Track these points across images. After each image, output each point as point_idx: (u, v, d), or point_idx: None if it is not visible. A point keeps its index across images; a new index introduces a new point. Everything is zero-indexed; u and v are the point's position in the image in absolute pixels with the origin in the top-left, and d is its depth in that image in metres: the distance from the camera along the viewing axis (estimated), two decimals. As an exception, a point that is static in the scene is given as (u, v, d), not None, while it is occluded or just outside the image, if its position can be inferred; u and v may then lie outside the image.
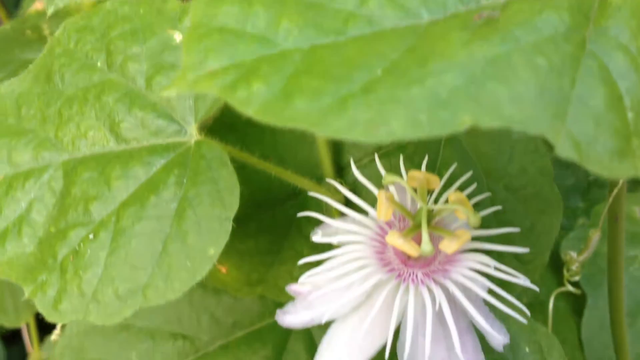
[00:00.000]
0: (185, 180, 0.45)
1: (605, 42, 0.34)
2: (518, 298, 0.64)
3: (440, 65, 0.32)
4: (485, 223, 0.51)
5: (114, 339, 0.72)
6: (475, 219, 0.42)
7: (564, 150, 0.30)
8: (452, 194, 0.45)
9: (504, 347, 0.53)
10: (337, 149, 0.57)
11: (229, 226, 0.44)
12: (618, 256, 0.56)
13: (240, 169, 0.56)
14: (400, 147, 0.56)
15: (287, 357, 0.71)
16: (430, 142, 0.56)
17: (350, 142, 0.56)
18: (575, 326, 0.69)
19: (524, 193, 0.55)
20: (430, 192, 0.48)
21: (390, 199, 0.44)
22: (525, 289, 0.68)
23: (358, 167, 0.55)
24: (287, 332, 0.72)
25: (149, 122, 0.48)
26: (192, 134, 0.47)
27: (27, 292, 0.46)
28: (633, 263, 0.70)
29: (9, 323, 1.15)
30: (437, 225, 0.45)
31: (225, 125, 0.58)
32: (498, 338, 0.49)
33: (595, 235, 0.56)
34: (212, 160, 0.45)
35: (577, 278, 0.59)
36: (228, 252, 0.60)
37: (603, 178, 0.92)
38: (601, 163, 0.30)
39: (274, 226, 0.60)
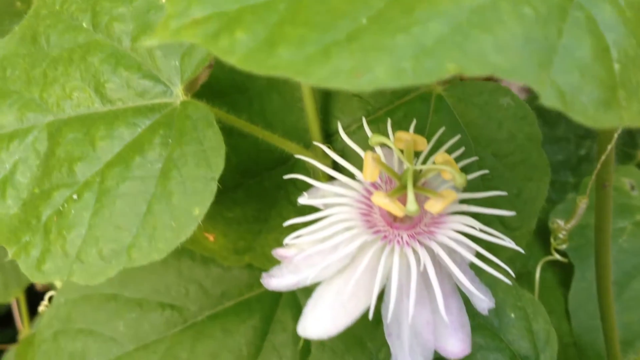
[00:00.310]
0: (170, 141, 0.45)
1: (592, -6, 0.33)
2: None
3: (426, 14, 0.31)
4: (472, 189, 0.51)
5: (102, 308, 0.71)
6: (461, 179, 0.42)
7: (549, 100, 0.30)
8: (438, 155, 0.45)
9: (490, 312, 0.53)
10: (326, 116, 0.57)
11: (214, 186, 0.44)
12: (606, 224, 0.56)
13: (228, 135, 0.56)
14: (388, 113, 0.56)
15: (274, 327, 0.71)
16: (419, 108, 0.56)
17: (338, 108, 0.56)
18: (562, 298, 0.69)
19: (511, 159, 0.55)
20: (417, 155, 0.48)
21: (377, 159, 0.43)
22: (513, 258, 0.69)
23: (347, 134, 0.55)
24: (275, 303, 0.72)
25: (135, 83, 0.47)
26: (178, 94, 0.47)
27: (10, 253, 0.46)
28: (622, 234, 0.70)
29: (-2, 298, 1.14)
30: (423, 187, 0.45)
31: (214, 91, 0.58)
32: (483, 302, 0.49)
33: (582, 203, 0.56)
34: (197, 121, 0.45)
35: (564, 246, 0.60)
36: (215, 220, 0.60)
37: (593, 152, 0.92)
38: (586, 113, 0.30)
39: (261, 194, 0.59)
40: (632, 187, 0.71)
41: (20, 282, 1.15)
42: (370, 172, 0.43)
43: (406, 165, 0.43)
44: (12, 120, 0.48)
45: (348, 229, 0.44)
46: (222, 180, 0.59)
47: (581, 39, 0.32)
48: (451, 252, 0.46)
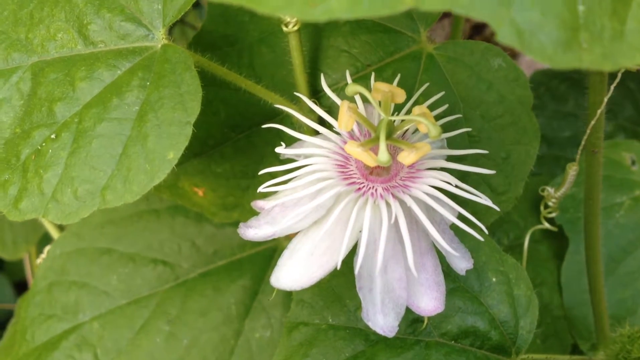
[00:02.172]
0: (148, 84, 0.45)
1: None
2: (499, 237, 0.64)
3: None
4: (459, 149, 0.50)
5: (96, 262, 0.72)
6: (435, 130, 0.41)
7: (505, 37, 0.29)
8: (416, 107, 0.44)
9: (471, 275, 0.53)
10: (315, 71, 0.56)
11: (189, 130, 0.44)
12: (595, 191, 0.55)
13: (218, 88, 0.56)
14: (378, 70, 0.55)
15: (265, 287, 0.71)
16: (409, 67, 0.55)
17: (327, 64, 0.55)
18: (555, 270, 0.68)
19: (500, 122, 0.54)
20: (400, 109, 0.48)
21: (353, 109, 0.43)
22: (507, 230, 0.68)
23: (334, 90, 0.54)
24: (267, 264, 0.72)
25: (117, 25, 0.47)
26: (159, 38, 0.47)
27: (-12, 190, 0.46)
28: (619, 209, 0.68)
29: (7, 255, 1.17)
30: (399, 139, 0.44)
31: (205, 44, 0.58)
32: (461, 262, 0.48)
33: (572, 170, 0.55)
34: (176, 64, 0.45)
35: (553, 214, 0.59)
36: (204, 174, 0.60)
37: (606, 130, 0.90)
38: (543, 52, 0.29)
39: (250, 149, 0.59)
40: (633, 162, 0.70)
41: (28, 240, 1.17)
42: (345, 122, 0.43)
43: (382, 116, 0.42)
44: (-3, 61, 0.49)
45: (322, 179, 0.44)
46: (211, 134, 0.59)
47: (546, -23, 0.31)
48: (429, 210, 0.45)
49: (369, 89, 0.53)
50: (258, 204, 0.49)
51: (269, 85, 0.56)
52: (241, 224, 0.49)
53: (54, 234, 0.81)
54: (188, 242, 0.72)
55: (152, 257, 0.72)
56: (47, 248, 0.80)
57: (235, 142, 0.59)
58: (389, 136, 0.43)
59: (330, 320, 0.52)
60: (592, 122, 0.51)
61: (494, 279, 0.52)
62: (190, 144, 0.59)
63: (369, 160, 0.41)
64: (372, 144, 0.42)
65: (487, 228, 0.67)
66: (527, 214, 0.70)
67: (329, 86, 0.55)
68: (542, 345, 0.65)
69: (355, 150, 0.41)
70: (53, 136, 0.45)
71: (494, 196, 0.54)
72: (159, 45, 0.47)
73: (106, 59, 0.46)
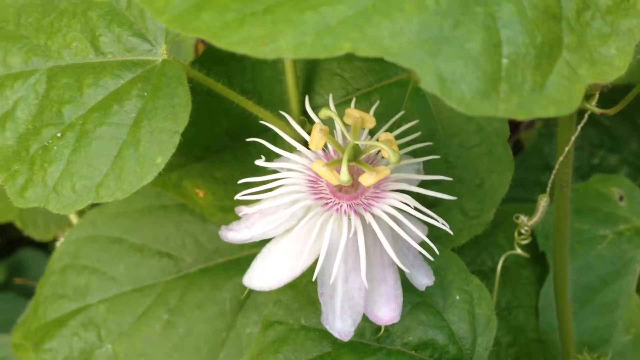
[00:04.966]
0: (146, 94, 0.50)
1: (500, -7, 0.36)
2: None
3: (338, -4, 0.35)
4: (436, 173, 0.53)
5: (107, 250, 0.78)
6: (394, 157, 0.45)
7: (428, 85, 0.33)
8: (382, 134, 0.48)
9: (436, 291, 0.56)
10: (309, 91, 0.61)
11: (177, 139, 0.48)
12: (563, 223, 0.58)
13: (220, 101, 0.60)
14: (366, 95, 0.59)
15: (258, 287, 0.75)
16: (395, 93, 0.59)
17: (321, 85, 0.59)
18: (534, 294, 0.71)
19: (477, 151, 0.57)
20: (373, 133, 0.52)
21: (324, 131, 0.47)
22: (492, 253, 0.71)
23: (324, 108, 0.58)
24: (263, 265, 0.76)
25: (125, 39, 0.52)
26: (161, 53, 0.52)
27: (0, 179, 0.52)
28: (602, 242, 0.71)
29: (38, 236, 1.24)
30: (364, 161, 0.48)
31: (214, 59, 0.63)
32: (422, 278, 0.52)
33: (543, 201, 0.58)
34: (172, 79, 0.50)
35: (525, 242, 0.62)
36: (205, 178, 0.65)
37: (605, 162, 0.92)
38: (461, 100, 0.33)
39: (247, 158, 0.64)
40: (621, 198, 0.72)
41: (59, 223, 1.24)
42: (315, 142, 0.47)
43: (349, 139, 0.47)
44: (19, 62, 0.54)
45: (292, 192, 0.48)
46: (213, 141, 0.64)
47: (474, 32, 0.34)
48: (389, 228, 0.49)
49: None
50: (240, 209, 0.54)
51: (267, 100, 0.60)
52: (223, 227, 0.54)
53: (74, 220, 0.87)
54: (192, 238, 0.77)
55: (158, 250, 0.77)
56: (66, 233, 0.87)
57: (235, 151, 0.63)
58: (354, 158, 0.47)
59: (303, 321, 0.57)
60: (560, 159, 0.54)
61: (457, 297, 0.56)
62: (193, 149, 0.65)
63: (332, 178, 0.45)
64: (337, 164, 0.46)
65: (472, 250, 0.71)
66: (513, 238, 0.73)
67: (320, 106, 0.60)
68: (513, 364, 0.68)
69: (320, 169, 0.46)
70: (59, 135, 0.51)
71: (465, 220, 0.58)
72: (160, 60, 0.52)
73: (112, 69, 0.51)
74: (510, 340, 0.69)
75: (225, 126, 0.63)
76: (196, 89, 0.51)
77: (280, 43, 0.34)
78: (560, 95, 0.35)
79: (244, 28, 0.34)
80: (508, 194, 0.59)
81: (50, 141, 0.51)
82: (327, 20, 0.34)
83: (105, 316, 0.75)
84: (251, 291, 0.77)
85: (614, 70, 0.37)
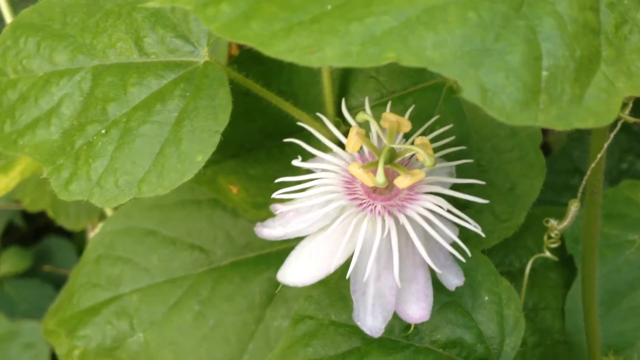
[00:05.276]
0: (188, 94, 0.51)
1: (541, 7, 0.37)
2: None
3: (383, 8, 0.36)
4: (468, 177, 0.55)
5: (141, 241, 0.80)
6: (429, 161, 0.46)
7: (470, 95, 0.34)
8: (417, 138, 0.49)
9: (466, 292, 0.57)
10: (344, 93, 0.62)
11: (217, 138, 0.50)
12: (594, 229, 0.59)
13: (256, 100, 0.62)
14: (400, 98, 0.60)
15: (287, 281, 0.77)
16: (430, 97, 0.60)
17: (356, 87, 0.61)
18: (561, 297, 0.72)
19: (509, 156, 0.58)
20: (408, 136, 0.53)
21: (360, 134, 0.48)
22: (521, 255, 0.72)
23: (360, 111, 0.60)
24: (292, 260, 0.78)
25: (168, 41, 0.54)
26: (203, 55, 0.53)
27: (45, 172, 0.53)
28: (630, 247, 0.72)
29: (70, 226, 1.27)
30: (399, 164, 0.49)
31: (252, 59, 0.64)
32: (453, 278, 0.53)
33: (573, 205, 0.59)
34: (213, 80, 0.51)
35: (554, 245, 0.63)
36: (239, 175, 0.67)
37: (634, 167, 0.93)
38: (502, 110, 0.34)
39: (281, 157, 0.65)
40: (650, 203, 0.73)
41: (90, 214, 1.26)
42: (352, 145, 0.48)
43: (385, 142, 0.48)
44: (65, 60, 0.56)
45: (328, 192, 0.49)
46: (247, 139, 0.66)
47: (515, 45, 0.35)
48: (422, 229, 0.50)
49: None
50: (275, 206, 0.55)
51: (303, 101, 0.62)
52: (258, 223, 0.55)
53: (108, 211, 0.90)
54: (224, 233, 0.79)
55: (190, 243, 0.78)
56: (100, 224, 0.89)
57: (269, 149, 0.65)
58: (390, 161, 0.48)
59: (333, 317, 0.58)
60: (592, 165, 0.55)
61: (486, 298, 0.57)
62: (228, 147, 0.66)
63: (368, 180, 0.47)
64: (373, 167, 0.48)
65: (500, 251, 0.71)
66: (542, 241, 0.74)
67: (355, 108, 0.61)
68: (538, 365, 0.69)
69: (357, 171, 0.47)
70: (103, 131, 0.52)
71: (496, 222, 0.59)
72: (202, 62, 0.53)
73: (155, 69, 0.53)
74: (537, 341, 0.70)
75: (260, 125, 0.64)
76: (234, 88, 0.52)
77: (326, 52, 0.35)
78: (598, 107, 0.36)
79: (292, 37, 0.36)
80: (536, 197, 0.60)
81: (94, 137, 0.52)
82: (372, 31, 0.35)
83: (138, 306, 0.77)
84: (283, 285, 0.79)
85: (650, 83, 0.38)
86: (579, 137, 0.91)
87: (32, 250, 1.62)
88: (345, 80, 0.62)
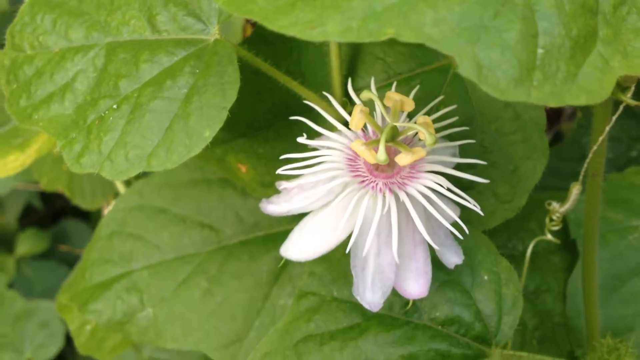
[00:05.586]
0: (197, 71, 0.53)
1: (539, -14, 0.38)
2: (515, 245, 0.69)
3: (384, -15, 0.37)
4: (471, 157, 0.55)
5: (152, 219, 0.81)
6: (430, 139, 0.47)
7: (465, 71, 0.35)
8: (420, 117, 0.50)
9: (465, 271, 0.58)
10: (352, 74, 0.63)
11: (225, 115, 0.51)
12: (594, 211, 0.60)
13: (266, 79, 0.63)
14: (407, 79, 0.61)
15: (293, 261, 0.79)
16: (435, 79, 0.61)
17: (364, 69, 0.62)
18: (563, 281, 0.73)
19: (513, 138, 0.59)
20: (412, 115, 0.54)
21: (364, 112, 0.49)
22: (523, 237, 0.73)
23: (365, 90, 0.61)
24: (299, 240, 0.79)
25: (180, 18, 0.55)
26: (213, 33, 0.55)
27: (58, 145, 0.55)
28: (634, 232, 0.72)
29: (85, 205, 1.29)
30: (402, 142, 0.50)
31: (262, 39, 0.65)
32: (452, 257, 0.54)
33: (575, 188, 0.59)
34: (223, 57, 0.53)
35: (556, 228, 0.63)
36: (248, 153, 0.68)
37: (639, 153, 0.93)
38: (496, 86, 0.35)
39: (289, 136, 0.66)
40: (654, 190, 0.73)
41: (105, 194, 1.28)
42: (355, 122, 0.49)
43: (388, 120, 0.49)
44: (80, 37, 0.57)
45: (332, 169, 0.51)
46: (256, 118, 0.67)
47: (512, 22, 0.36)
48: (422, 206, 0.51)
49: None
50: (281, 183, 0.57)
51: (311, 81, 0.63)
52: (263, 199, 0.56)
53: (121, 189, 0.91)
54: (233, 212, 0.80)
55: (200, 221, 0.80)
56: (112, 202, 0.90)
57: (277, 129, 0.66)
58: (392, 139, 0.49)
59: (335, 293, 0.59)
60: (594, 148, 0.56)
61: (485, 277, 0.58)
62: (238, 125, 0.67)
63: (370, 157, 0.48)
64: (375, 144, 0.49)
65: (504, 234, 0.72)
66: (544, 226, 0.75)
67: (362, 88, 0.62)
68: (538, 346, 0.70)
69: (359, 148, 0.48)
70: (115, 106, 0.54)
71: (498, 203, 0.60)
72: (212, 39, 0.54)
73: (167, 46, 0.54)
74: (537, 324, 0.71)
75: (269, 104, 0.66)
76: (244, 68, 0.54)
77: (327, 27, 0.36)
78: (592, 85, 0.37)
79: (294, 12, 0.37)
80: (544, 183, 0.61)
81: (106, 112, 0.54)
82: (373, 7, 0.36)
83: (148, 281, 0.78)
84: (287, 263, 0.81)
85: (646, 63, 0.39)
86: (588, 124, 0.92)
87: (50, 232, 1.65)
88: (353, 62, 0.63)
